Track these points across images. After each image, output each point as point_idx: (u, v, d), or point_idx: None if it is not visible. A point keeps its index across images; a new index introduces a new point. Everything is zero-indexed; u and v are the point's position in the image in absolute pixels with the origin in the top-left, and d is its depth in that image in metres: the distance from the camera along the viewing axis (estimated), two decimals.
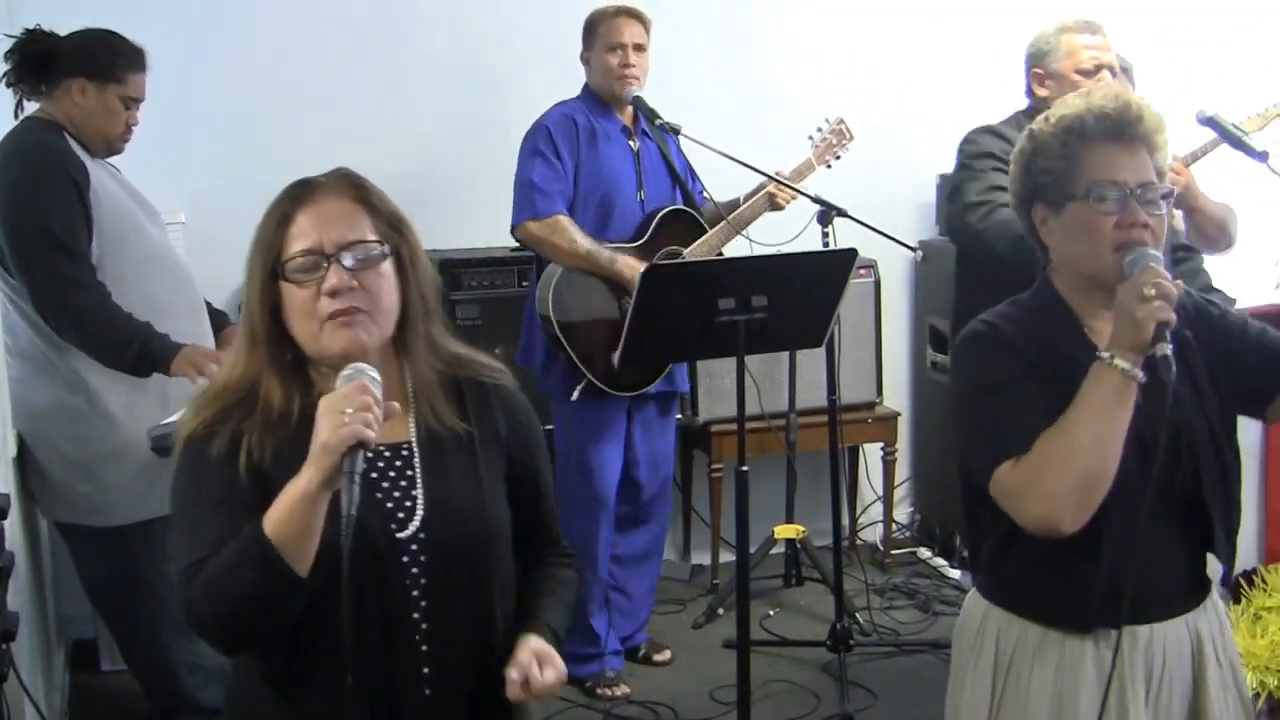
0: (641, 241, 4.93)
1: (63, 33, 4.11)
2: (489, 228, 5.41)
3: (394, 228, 2.37)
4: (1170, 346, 2.35)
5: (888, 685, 5.06)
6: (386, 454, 2.35)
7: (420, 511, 2.34)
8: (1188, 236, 4.39)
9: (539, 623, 2.43)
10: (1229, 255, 4.51)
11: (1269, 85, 6.24)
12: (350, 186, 2.37)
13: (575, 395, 4.80)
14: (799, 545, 5.97)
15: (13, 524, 3.72)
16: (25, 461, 4.10)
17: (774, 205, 5.05)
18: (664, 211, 5.01)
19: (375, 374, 2.18)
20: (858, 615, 5.55)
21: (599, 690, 5.03)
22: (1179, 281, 2.41)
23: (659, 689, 5.13)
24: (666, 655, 5.38)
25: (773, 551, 6.01)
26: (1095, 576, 2.47)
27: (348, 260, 2.27)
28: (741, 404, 4.20)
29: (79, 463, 4.03)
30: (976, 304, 4.13)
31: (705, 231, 5.04)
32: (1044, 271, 2.66)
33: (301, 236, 2.28)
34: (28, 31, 4.09)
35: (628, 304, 4.56)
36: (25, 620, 3.42)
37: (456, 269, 5.46)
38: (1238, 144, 4.28)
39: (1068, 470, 2.37)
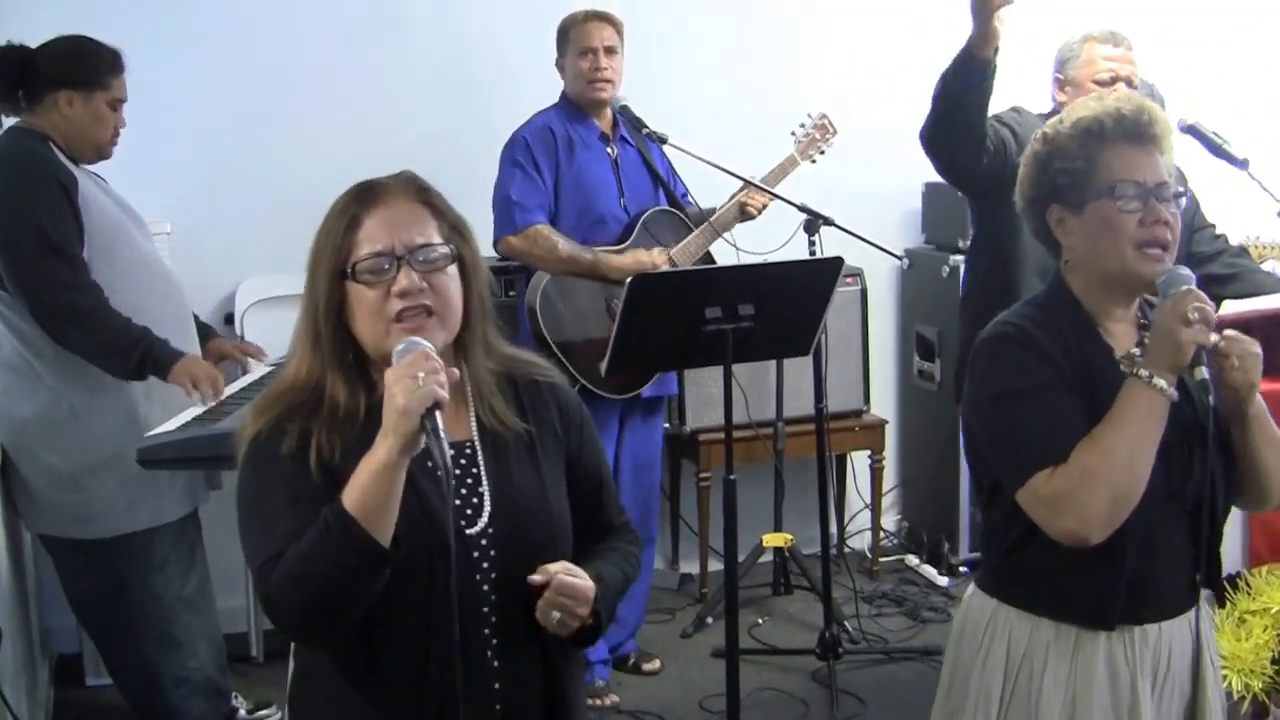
0: (628, 242, 4.94)
1: (34, 43, 4.09)
2: (476, 237, 5.41)
3: (457, 231, 2.43)
4: (1207, 370, 2.43)
5: (876, 693, 5.05)
6: (450, 451, 2.33)
7: (488, 508, 2.38)
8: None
9: (593, 571, 2.44)
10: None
11: (1269, 86, 6.30)
12: (416, 189, 2.43)
13: None
14: (787, 553, 5.97)
15: None
16: (9, 473, 4.09)
17: (745, 215, 5.05)
18: (649, 212, 5.01)
19: (429, 345, 2.22)
20: (846, 623, 5.54)
21: (587, 700, 5.01)
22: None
23: (648, 698, 5.12)
24: (655, 664, 5.37)
25: (761, 560, 6.00)
26: (1117, 576, 2.51)
27: (417, 262, 2.31)
28: (729, 413, 4.20)
29: (63, 474, 4.02)
30: (989, 296, 4.19)
31: (690, 231, 5.05)
32: (1056, 272, 2.69)
33: (371, 239, 2.32)
34: None
35: (616, 304, 4.58)
36: (8, 634, 3.42)
37: None
38: (1219, 152, 4.32)
39: (1104, 486, 2.40)
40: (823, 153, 5.24)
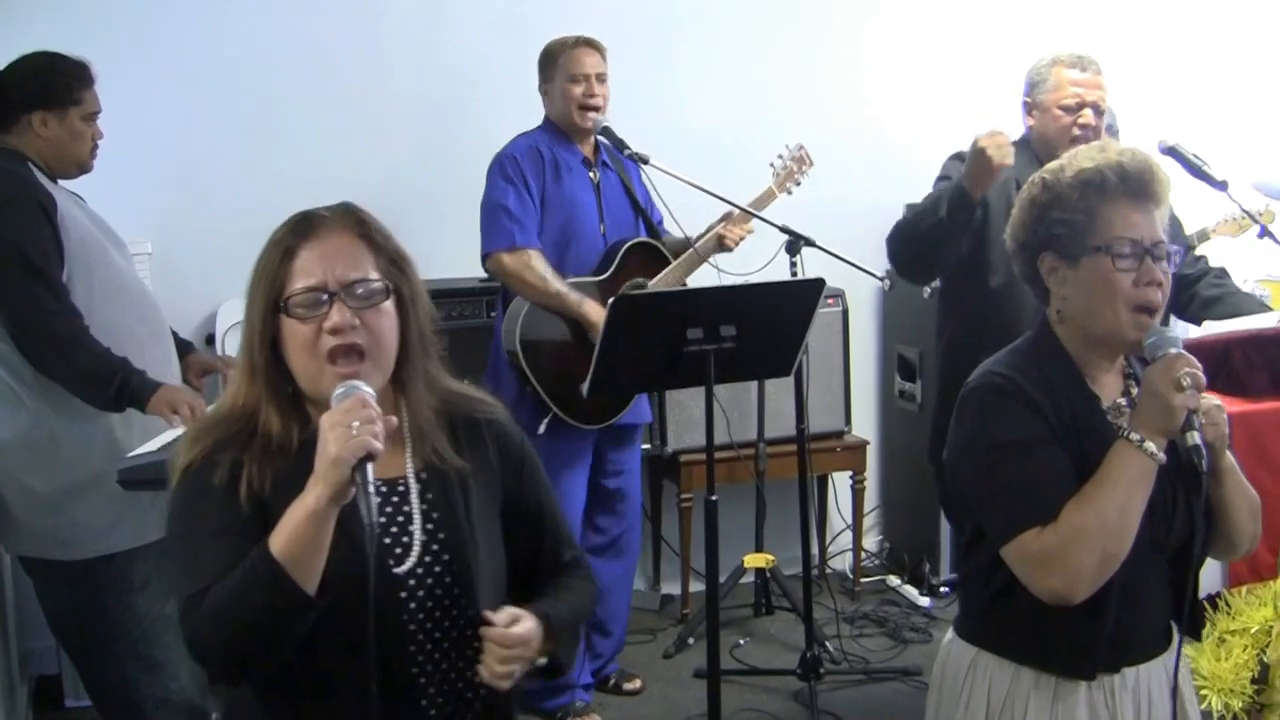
0: (607, 275, 4.93)
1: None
2: (455, 259, 5.42)
3: (396, 265, 2.39)
4: (1199, 435, 2.43)
5: (858, 713, 5.05)
6: (383, 489, 2.35)
7: (416, 548, 2.34)
8: None
9: (537, 608, 2.41)
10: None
11: (1245, 113, 6.34)
12: (355, 222, 2.39)
13: (542, 429, 4.78)
14: (769, 574, 5.98)
15: None
16: None
17: (723, 247, 5.05)
18: (629, 244, 5.01)
19: (369, 389, 2.20)
20: (827, 643, 5.54)
21: None
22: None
23: (630, 718, 5.12)
24: (637, 684, 5.37)
25: (742, 581, 6.02)
26: (1099, 627, 2.51)
27: (351, 298, 2.28)
28: (710, 434, 4.21)
29: (44, 496, 4.00)
30: (959, 329, 4.19)
31: (669, 264, 5.05)
32: (1043, 319, 2.68)
33: (305, 272, 2.29)
34: None
35: (593, 335, 4.58)
36: None
37: None
38: (1199, 174, 4.32)
39: (1094, 547, 2.40)
40: (799, 184, 5.25)
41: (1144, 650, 2.62)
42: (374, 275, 2.33)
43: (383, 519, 2.33)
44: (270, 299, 2.29)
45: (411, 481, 2.39)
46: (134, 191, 5.11)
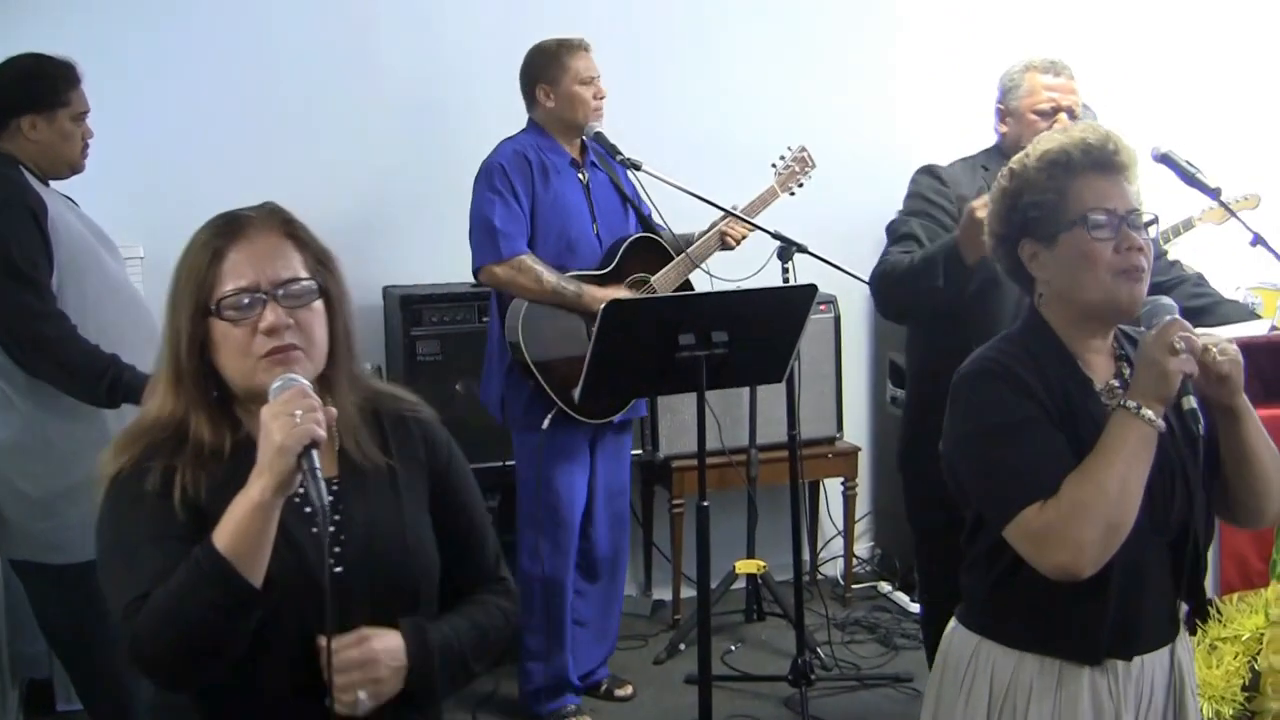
0: (609, 269, 4.93)
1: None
2: (449, 263, 5.42)
3: (322, 263, 2.37)
4: (1195, 399, 2.43)
5: (849, 719, 5.05)
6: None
7: (352, 546, 2.33)
8: None
9: (409, 621, 2.37)
10: None
11: (1236, 122, 6.35)
12: (280, 222, 2.37)
13: (546, 423, 4.78)
14: (760, 580, 5.98)
15: None
16: None
17: (724, 245, 5.05)
18: (631, 239, 5.01)
19: (305, 382, 2.19)
20: (819, 650, 5.55)
21: None
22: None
23: None
24: (628, 690, 5.36)
25: (734, 587, 6.01)
26: (1102, 610, 2.50)
27: (283, 298, 2.27)
28: (702, 439, 4.21)
29: (35, 500, 3.99)
30: (928, 343, 4.17)
31: (671, 258, 5.05)
32: (1031, 307, 2.67)
33: (235, 274, 2.27)
34: None
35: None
36: None
37: (417, 305, 5.45)
38: (1192, 181, 4.31)
39: (1096, 518, 2.39)
40: (801, 185, 5.26)
41: (1150, 638, 2.61)
42: (304, 274, 2.31)
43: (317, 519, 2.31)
44: (199, 303, 2.26)
45: (342, 479, 2.38)
46: (126, 196, 5.11)
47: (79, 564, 3.99)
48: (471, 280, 5.03)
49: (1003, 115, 4.38)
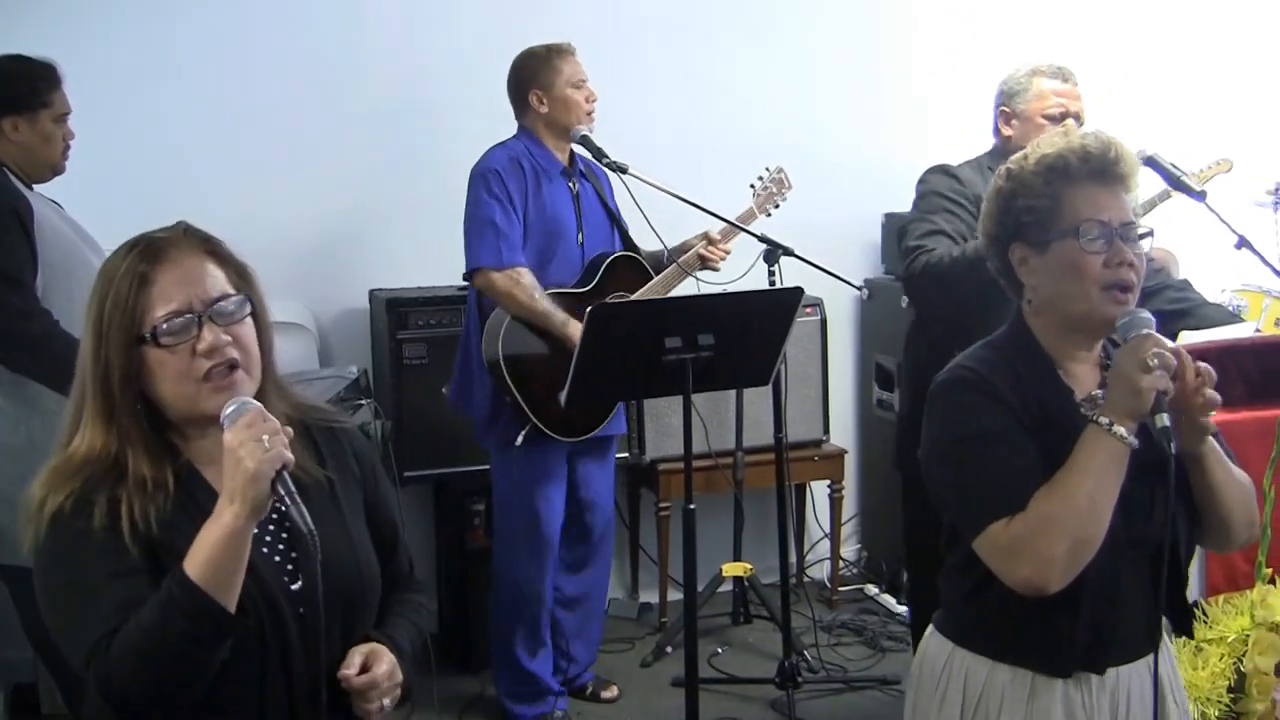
0: (589, 287, 4.91)
1: None
2: (436, 266, 5.42)
3: (243, 277, 2.36)
4: (1168, 417, 2.39)
5: None
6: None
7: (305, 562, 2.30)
8: None
9: (375, 630, 2.42)
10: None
11: (1213, 125, 6.36)
12: (200, 240, 2.35)
13: (519, 440, 4.77)
14: (746, 583, 5.98)
15: None
16: None
17: (706, 265, 5.04)
18: (612, 257, 5.00)
19: (257, 404, 2.18)
20: (805, 652, 5.55)
21: None
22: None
23: None
24: (614, 691, 5.37)
25: (720, 589, 6.01)
26: (1075, 623, 2.49)
27: (218, 316, 2.25)
28: (688, 442, 4.21)
29: (20, 502, 3.97)
30: (930, 336, 4.16)
31: (651, 278, 5.04)
32: (1017, 312, 2.66)
33: (165, 298, 2.24)
34: None
35: (573, 345, 4.58)
36: None
37: (403, 308, 5.44)
38: (1177, 184, 4.31)
39: (1064, 533, 2.37)
40: (778, 206, 5.24)
41: (1126, 650, 2.59)
42: (231, 290, 2.30)
43: (269, 538, 2.32)
44: (131, 332, 2.22)
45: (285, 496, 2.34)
46: (110, 200, 5.06)
47: None
48: (459, 283, 5.03)
49: (1007, 118, 4.38)
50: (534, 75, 4.94)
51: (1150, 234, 2.59)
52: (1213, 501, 2.57)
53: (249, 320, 2.31)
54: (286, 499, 2.08)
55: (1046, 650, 2.53)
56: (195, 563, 2.07)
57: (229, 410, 2.15)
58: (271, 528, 2.32)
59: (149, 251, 2.28)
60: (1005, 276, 2.68)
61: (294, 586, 2.28)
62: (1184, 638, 3.12)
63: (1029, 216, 2.56)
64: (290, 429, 2.18)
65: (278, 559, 2.30)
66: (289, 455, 2.10)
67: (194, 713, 2.18)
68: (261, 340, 2.34)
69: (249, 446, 2.07)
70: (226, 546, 2.07)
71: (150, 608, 2.08)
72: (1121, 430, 2.39)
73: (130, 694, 2.11)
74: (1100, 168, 2.53)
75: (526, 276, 4.76)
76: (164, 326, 2.21)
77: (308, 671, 2.26)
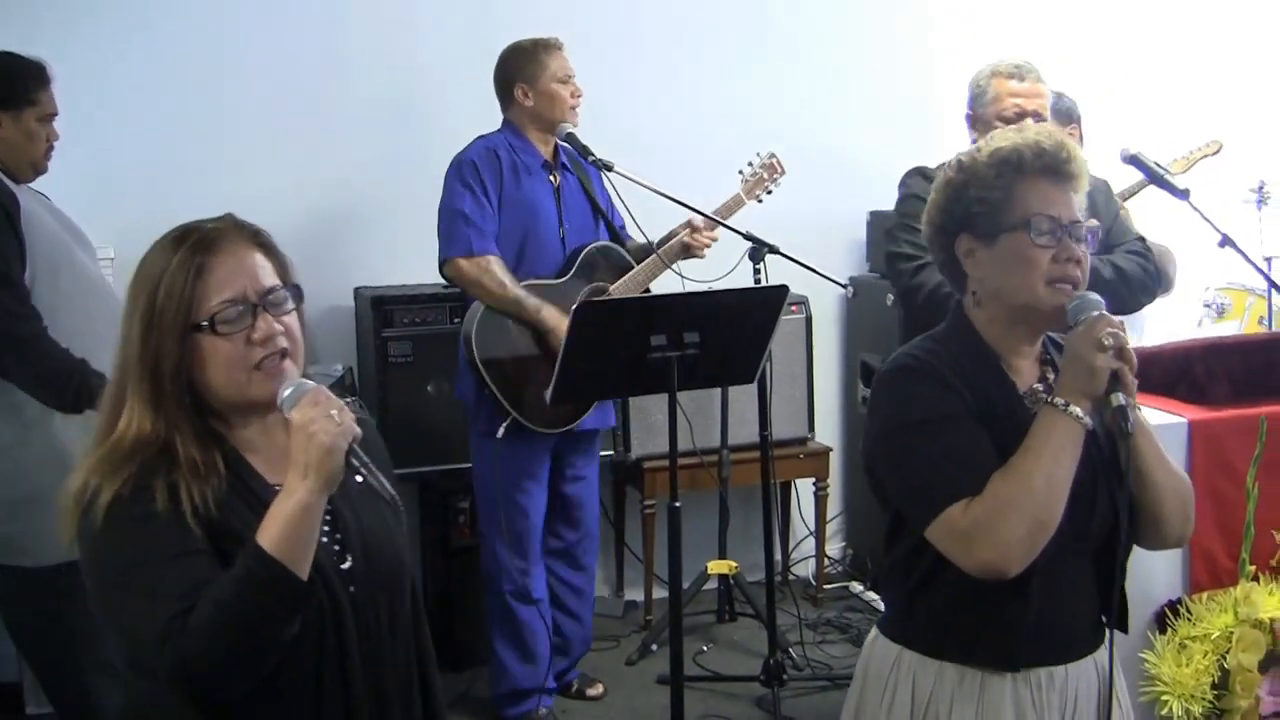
0: (567, 277, 4.93)
1: None
2: (421, 264, 5.40)
3: (285, 269, 2.40)
4: (1123, 397, 2.40)
5: (820, 719, 5.06)
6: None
7: (352, 546, 2.36)
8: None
9: None
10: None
11: (1200, 122, 6.38)
12: (250, 233, 2.39)
13: (500, 433, 4.77)
14: (732, 581, 5.98)
15: None
16: None
17: (689, 253, 5.04)
18: (590, 248, 5.01)
19: (313, 383, 2.23)
20: (791, 650, 5.56)
21: None
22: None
23: None
24: (599, 689, 5.37)
25: (706, 587, 6.01)
26: (1022, 616, 2.48)
27: (272, 307, 2.30)
28: (674, 440, 4.21)
29: (4, 502, 3.97)
30: (921, 332, 4.15)
31: (630, 269, 5.05)
32: (958, 305, 2.66)
33: (222, 288, 2.28)
34: None
35: (550, 339, 4.64)
36: None
37: (389, 306, 5.44)
38: (1160, 182, 4.32)
39: (1023, 515, 2.36)
40: (770, 192, 5.24)
41: (1070, 649, 2.59)
42: (278, 281, 2.35)
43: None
44: (186, 320, 2.26)
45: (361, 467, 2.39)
46: (96, 196, 5.08)
47: (48, 567, 3.98)
48: (443, 281, 5.03)
49: (972, 122, 4.38)
50: (520, 69, 4.95)
51: (1096, 234, 2.61)
52: (1145, 491, 2.56)
53: (294, 310, 2.36)
54: (363, 470, 2.15)
55: (993, 645, 2.53)
56: (269, 537, 2.11)
57: (286, 393, 2.21)
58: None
59: (204, 243, 2.32)
60: (949, 269, 2.67)
61: (343, 566, 2.33)
62: (1165, 633, 3.14)
63: (979, 208, 2.55)
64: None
65: (324, 539, 2.32)
66: (358, 429, 2.15)
67: (254, 696, 2.21)
68: (303, 332, 2.39)
69: (321, 422, 2.12)
70: (301, 520, 2.12)
71: (225, 583, 2.11)
72: (1077, 410, 2.40)
73: (208, 670, 2.13)
74: (1052, 164, 2.53)
75: (496, 264, 4.77)
76: (221, 315, 2.26)
77: (361, 649, 2.31)
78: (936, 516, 2.44)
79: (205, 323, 2.25)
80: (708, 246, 5.04)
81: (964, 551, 2.42)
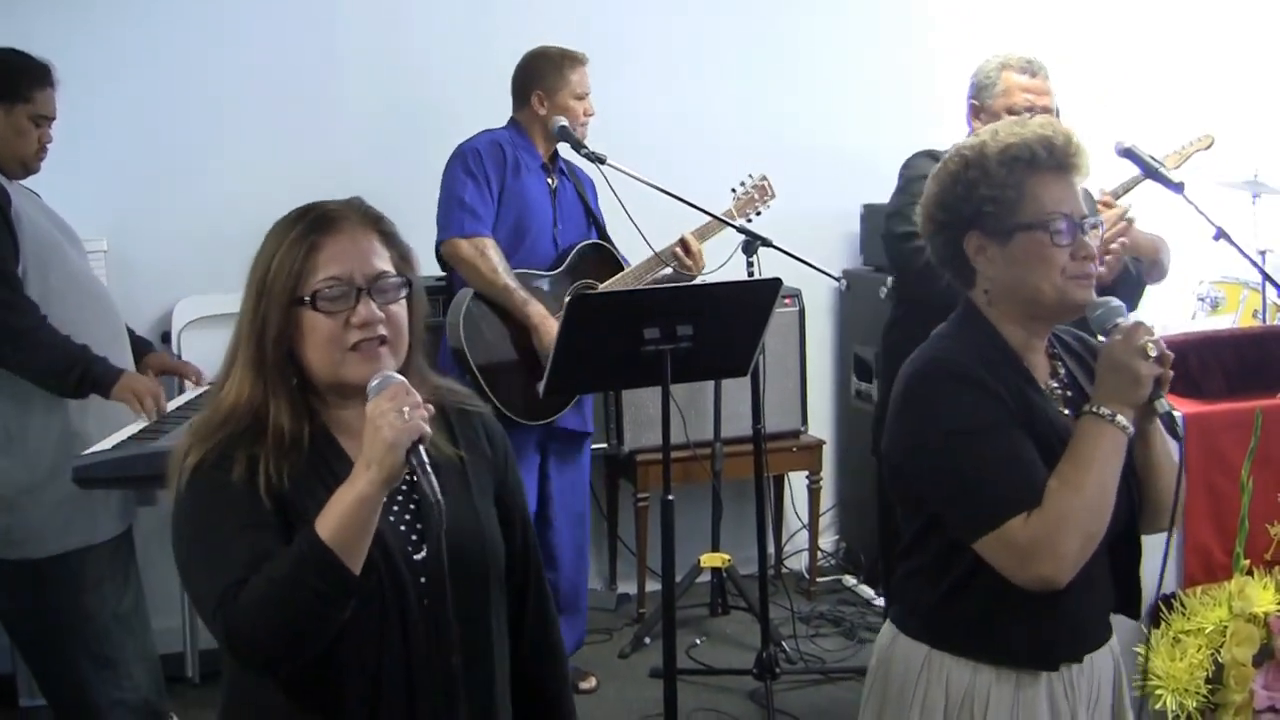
0: (559, 270, 4.94)
1: None
2: (418, 262, 5.40)
3: (405, 260, 2.44)
4: (1167, 403, 2.42)
5: (814, 713, 5.07)
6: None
7: (430, 537, 2.36)
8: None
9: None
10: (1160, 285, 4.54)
11: (1193, 116, 6.38)
12: (371, 218, 2.43)
13: None
14: (725, 574, 5.98)
15: None
16: None
17: (681, 275, 5.03)
18: (582, 244, 5.02)
19: (402, 378, 2.25)
20: (783, 643, 5.55)
21: None
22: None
23: (585, 718, 5.10)
24: (592, 682, 5.38)
25: (699, 580, 6.01)
26: (1058, 615, 2.49)
27: (377, 293, 2.32)
28: (667, 433, 4.21)
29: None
30: (912, 327, 4.15)
31: (621, 269, 5.05)
32: (967, 302, 2.64)
33: (330, 266, 2.31)
34: None
35: (534, 343, 4.66)
36: None
37: None
38: (1155, 175, 4.31)
39: (1081, 529, 2.37)
40: (759, 213, 5.25)
41: (1096, 637, 2.61)
42: (392, 270, 2.38)
43: (395, 508, 2.37)
44: (293, 293, 2.30)
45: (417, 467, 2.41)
46: (89, 189, 5.08)
47: (42, 559, 3.98)
48: (436, 274, 5.02)
49: (976, 112, 4.36)
50: (542, 77, 4.99)
51: (1100, 224, 2.62)
52: (1152, 479, 2.59)
53: (404, 302, 2.38)
54: (418, 469, 2.14)
55: (1031, 645, 2.52)
56: (327, 524, 2.14)
57: (374, 383, 2.23)
58: (400, 498, 2.38)
59: (321, 221, 2.37)
60: (952, 264, 2.65)
61: (417, 556, 2.35)
62: (1160, 627, 3.14)
63: (991, 206, 2.53)
64: (430, 407, 2.24)
65: (403, 528, 2.35)
66: (426, 429, 2.16)
67: (312, 673, 2.24)
68: (413, 324, 2.41)
69: (389, 417, 2.14)
70: (358, 511, 2.14)
71: (280, 562, 2.15)
72: (1123, 420, 2.41)
73: (255, 643, 2.17)
74: (1063, 159, 2.53)
75: (493, 249, 4.80)
76: (324, 291, 2.29)
77: (425, 637, 2.32)
78: (994, 529, 2.41)
79: (308, 297, 2.29)
80: (697, 272, 5.05)
81: (1019, 566, 2.41)
